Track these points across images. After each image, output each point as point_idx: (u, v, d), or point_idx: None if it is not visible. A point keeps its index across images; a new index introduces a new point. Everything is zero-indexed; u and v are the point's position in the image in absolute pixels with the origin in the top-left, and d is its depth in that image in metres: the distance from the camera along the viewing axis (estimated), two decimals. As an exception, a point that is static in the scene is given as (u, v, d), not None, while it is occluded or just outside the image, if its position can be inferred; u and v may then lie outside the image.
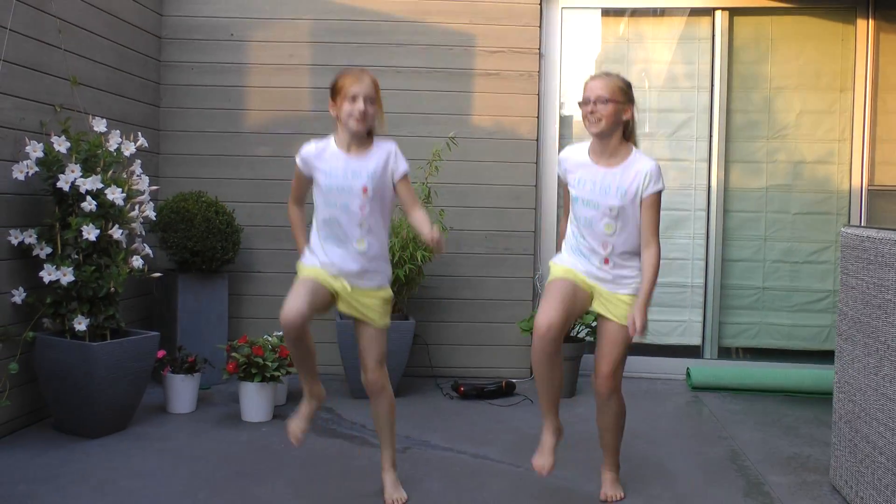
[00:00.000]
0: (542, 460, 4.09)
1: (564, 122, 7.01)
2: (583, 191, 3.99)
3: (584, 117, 3.97)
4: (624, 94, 3.99)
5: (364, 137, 4.00)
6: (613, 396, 4.09)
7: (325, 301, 3.96)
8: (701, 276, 7.03)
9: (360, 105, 3.89)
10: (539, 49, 6.84)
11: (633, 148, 4.05)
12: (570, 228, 4.12)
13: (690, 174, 7.02)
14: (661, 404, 6.17)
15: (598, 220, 3.95)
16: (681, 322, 7.05)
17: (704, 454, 5.01)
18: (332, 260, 3.95)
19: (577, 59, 7.06)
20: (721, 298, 7.04)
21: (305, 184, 4.09)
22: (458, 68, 6.80)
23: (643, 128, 7.05)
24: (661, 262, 6.67)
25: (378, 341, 4.05)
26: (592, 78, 4.03)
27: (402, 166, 4.02)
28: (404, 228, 6.02)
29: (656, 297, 6.84)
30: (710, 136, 7.00)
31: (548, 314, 3.86)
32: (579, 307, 4.04)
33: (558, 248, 4.24)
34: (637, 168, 3.95)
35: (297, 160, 4.04)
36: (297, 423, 4.10)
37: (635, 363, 6.91)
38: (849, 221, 6.92)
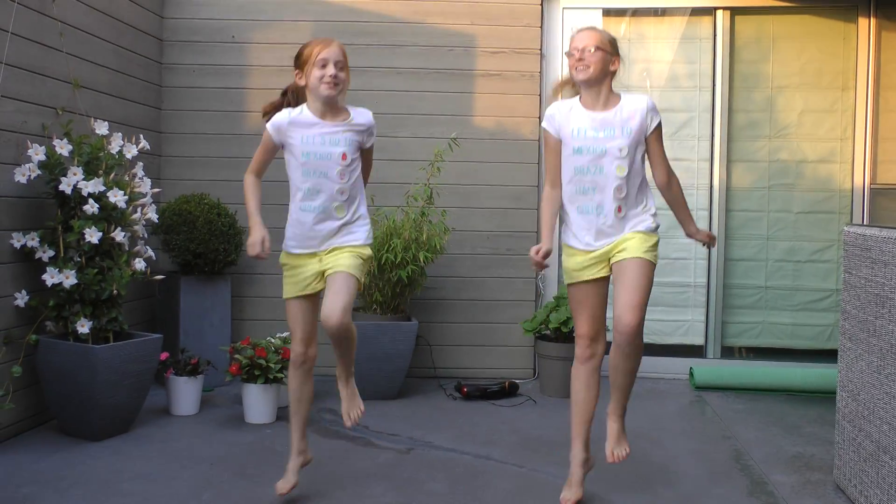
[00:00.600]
0: (568, 493, 4.11)
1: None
2: (585, 139, 3.93)
3: (572, 67, 3.93)
4: (611, 45, 3.96)
5: (336, 105, 4.00)
6: (638, 333, 3.92)
7: (316, 304, 4.05)
8: (703, 275, 7.03)
9: (330, 69, 3.90)
10: (540, 49, 6.84)
11: (621, 93, 4.03)
12: (569, 195, 4.02)
13: (692, 174, 7.02)
14: (664, 404, 6.17)
15: (609, 165, 3.90)
16: (683, 322, 7.05)
17: (708, 453, 5.01)
18: (309, 235, 3.99)
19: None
20: (724, 298, 7.04)
21: (271, 153, 4.10)
22: (459, 69, 6.80)
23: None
24: (663, 262, 6.71)
25: (349, 284, 3.89)
26: (579, 30, 4.00)
27: (374, 135, 4.11)
28: (407, 230, 6.03)
29: (658, 297, 6.87)
30: (712, 135, 7.00)
31: (584, 331, 4.04)
32: (604, 301, 4.09)
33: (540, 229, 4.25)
34: (634, 106, 3.94)
35: (269, 127, 4.03)
36: (284, 482, 4.12)
37: (638, 363, 6.91)
38: (851, 220, 6.91)
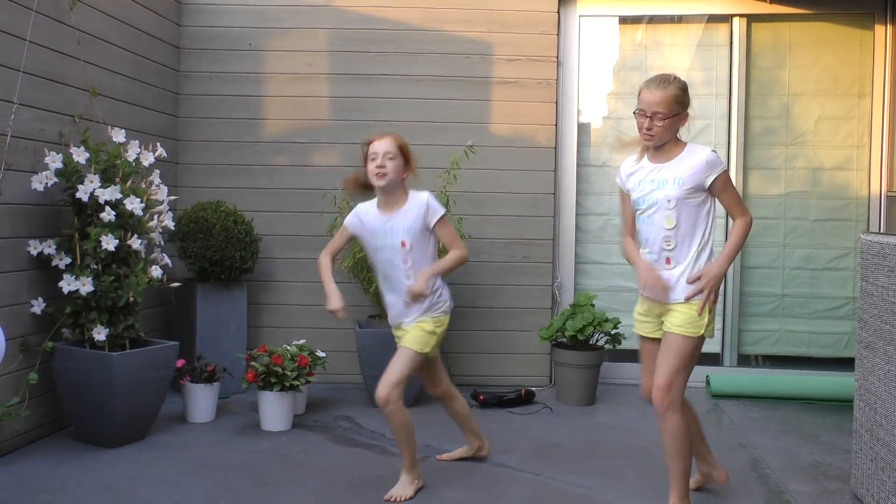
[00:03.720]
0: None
1: (582, 129, 7.00)
2: (641, 190, 3.97)
3: (640, 128, 3.94)
4: (680, 104, 3.91)
5: (395, 193, 4.34)
6: (669, 413, 3.89)
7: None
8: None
9: (378, 161, 4.25)
10: (557, 57, 6.83)
11: (687, 143, 4.01)
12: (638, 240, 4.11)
13: (709, 181, 6.99)
14: (680, 412, 6.14)
15: (658, 215, 3.90)
16: (700, 329, 7.02)
17: (725, 462, 4.97)
18: (391, 311, 4.50)
19: (594, 66, 7.06)
20: (740, 305, 7.01)
21: (347, 240, 4.56)
22: (475, 77, 6.80)
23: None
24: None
25: (402, 359, 4.30)
26: (649, 87, 3.93)
27: (436, 213, 4.34)
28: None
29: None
30: (729, 142, 6.98)
31: (645, 386, 4.17)
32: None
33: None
34: (695, 157, 3.91)
35: (348, 218, 4.53)
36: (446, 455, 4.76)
37: (654, 371, 6.89)
38: (868, 228, 6.89)
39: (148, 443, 5.13)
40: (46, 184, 4.86)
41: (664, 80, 3.93)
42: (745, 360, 7.08)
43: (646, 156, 4.04)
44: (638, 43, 7.14)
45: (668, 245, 3.90)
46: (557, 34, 6.87)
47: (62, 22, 5.19)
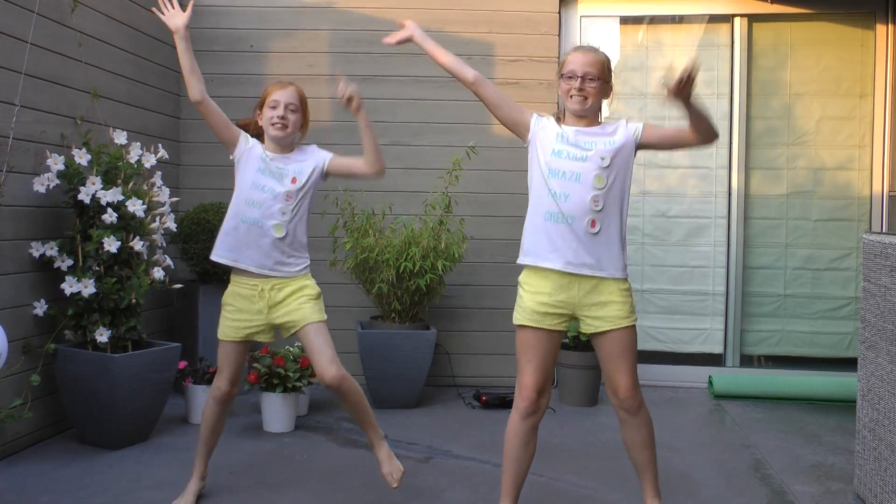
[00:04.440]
0: None
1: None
2: (566, 144, 3.69)
3: (567, 93, 3.72)
4: (609, 72, 3.78)
5: (287, 148, 4.13)
6: (642, 409, 3.79)
7: (247, 349, 4.17)
8: (722, 283, 7.01)
9: (280, 111, 4.02)
10: (558, 58, 6.83)
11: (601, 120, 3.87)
12: (540, 196, 3.70)
13: (711, 181, 7.00)
14: (683, 413, 6.14)
15: (588, 173, 3.61)
16: (702, 330, 7.03)
17: (727, 463, 4.99)
18: (245, 250, 4.04)
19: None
20: (742, 306, 7.01)
21: (231, 135, 4.13)
22: (476, 77, 6.80)
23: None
24: (682, 269, 6.68)
25: (324, 334, 4.00)
26: (578, 50, 3.79)
27: (327, 153, 4.18)
28: (425, 238, 6.03)
29: (677, 306, 6.86)
30: (730, 142, 6.98)
31: (529, 386, 3.74)
32: (554, 355, 3.81)
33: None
34: (615, 124, 3.76)
35: (242, 133, 4.14)
36: (181, 501, 4.17)
37: (657, 371, 6.91)
38: (870, 228, 6.88)
39: (150, 444, 5.13)
40: (48, 185, 4.86)
41: (592, 46, 3.85)
42: (747, 361, 7.08)
43: (561, 124, 3.80)
44: (639, 43, 7.14)
45: (597, 206, 3.60)
46: (559, 35, 6.87)
47: (63, 24, 5.19)
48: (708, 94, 7.02)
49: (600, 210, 3.61)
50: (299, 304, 4.00)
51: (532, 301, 3.70)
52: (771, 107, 7.03)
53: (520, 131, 3.89)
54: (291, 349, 5.60)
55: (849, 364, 6.58)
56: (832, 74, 6.99)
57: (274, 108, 4.03)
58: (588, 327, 3.72)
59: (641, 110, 7.06)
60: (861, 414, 4.34)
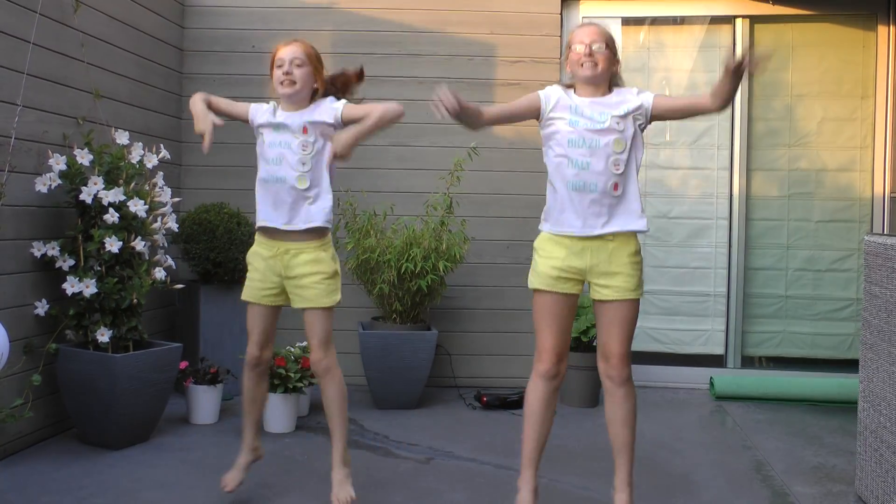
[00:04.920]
0: None
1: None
2: (581, 117, 3.76)
3: (577, 62, 3.77)
4: (615, 45, 3.87)
5: (302, 104, 4.08)
6: (629, 382, 3.83)
7: (273, 313, 4.14)
8: (723, 284, 7.00)
9: (285, 68, 3.98)
10: (560, 59, 6.83)
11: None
12: (562, 167, 3.78)
13: (712, 183, 7.00)
14: (684, 414, 6.14)
15: (607, 138, 3.71)
16: (703, 331, 7.03)
17: (729, 464, 4.99)
18: (270, 208, 4.06)
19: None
20: (744, 307, 7.01)
21: (240, 114, 4.22)
22: (478, 78, 6.81)
23: (664, 136, 7.03)
24: (682, 271, 6.67)
25: (320, 320, 4.02)
26: (583, 26, 3.87)
27: (338, 103, 4.11)
28: (426, 239, 6.03)
29: (678, 307, 6.86)
30: (732, 144, 6.98)
31: (548, 348, 3.84)
32: (572, 318, 3.92)
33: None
34: (627, 91, 3.85)
35: (251, 106, 4.18)
36: (232, 475, 4.20)
37: (658, 372, 6.91)
38: (871, 229, 6.88)
39: (151, 444, 5.13)
40: (50, 185, 4.86)
41: (594, 22, 3.99)
42: (748, 362, 7.08)
43: (572, 92, 3.87)
44: (641, 44, 7.15)
45: (618, 169, 3.70)
46: (560, 36, 6.87)
47: (66, 24, 5.19)
48: (709, 96, 7.01)
49: (621, 173, 3.73)
50: (312, 284, 3.99)
51: (545, 265, 3.82)
52: (772, 108, 7.03)
53: (533, 114, 3.94)
54: (292, 349, 5.60)
55: (850, 365, 6.58)
56: (833, 76, 6.99)
57: (280, 66, 4.00)
58: (595, 293, 3.81)
59: (643, 111, 7.05)
60: (862, 415, 4.34)
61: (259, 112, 4.13)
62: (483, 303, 6.82)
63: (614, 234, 3.75)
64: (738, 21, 6.95)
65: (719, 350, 7.04)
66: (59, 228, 5.11)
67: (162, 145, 5.56)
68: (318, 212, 4.01)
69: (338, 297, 4.08)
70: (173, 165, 6.54)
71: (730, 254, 6.98)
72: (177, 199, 5.80)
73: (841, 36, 7.01)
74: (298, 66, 3.99)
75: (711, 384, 6.71)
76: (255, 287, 4.08)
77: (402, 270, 5.96)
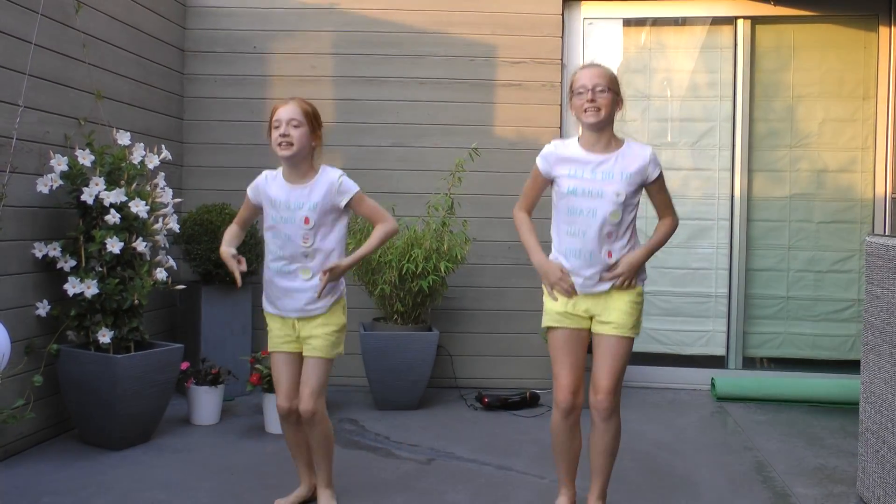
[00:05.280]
0: None
1: (586, 132, 6.99)
2: (581, 181, 3.83)
3: (580, 108, 3.81)
4: (617, 84, 3.89)
5: (301, 166, 3.99)
6: (614, 417, 3.91)
7: (298, 359, 4.10)
8: (725, 285, 7.00)
9: (282, 129, 3.90)
10: (561, 59, 6.83)
11: (624, 137, 3.96)
12: (560, 232, 3.95)
13: (713, 183, 7.00)
14: (685, 415, 6.14)
15: (604, 210, 3.79)
16: (705, 332, 7.02)
17: (730, 465, 4.98)
18: (280, 299, 4.03)
19: (598, 69, 7.05)
20: (745, 308, 7.00)
21: (251, 210, 4.17)
22: (480, 79, 6.81)
23: (665, 137, 7.03)
24: (684, 272, 6.66)
25: (317, 371, 4.01)
26: (585, 67, 3.92)
27: (347, 192, 4.01)
28: (428, 240, 6.02)
29: (679, 308, 6.85)
30: (733, 145, 6.97)
31: (565, 385, 3.91)
32: (585, 352, 3.99)
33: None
34: (636, 153, 3.86)
35: (250, 187, 4.12)
36: (285, 500, 4.21)
37: (659, 373, 6.91)
38: (872, 230, 6.87)
39: (152, 445, 5.13)
40: (51, 186, 4.87)
41: (598, 62, 4.01)
42: (750, 363, 7.07)
43: (578, 144, 3.92)
44: (642, 45, 7.14)
45: (611, 239, 3.82)
46: (561, 37, 6.87)
47: (67, 25, 5.20)
48: (710, 97, 7.01)
49: (615, 240, 3.85)
50: (322, 333, 3.99)
51: (553, 305, 3.98)
52: (774, 109, 7.02)
53: (548, 185, 4.07)
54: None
55: (851, 366, 6.58)
56: (835, 76, 6.99)
57: (277, 127, 3.92)
58: (594, 326, 3.93)
59: (644, 112, 7.06)
60: (864, 416, 4.34)
61: (262, 195, 4.06)
62: (484, 303, 6.82)
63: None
64: (740, 22, 6.95)
65: (720, 351, 7.03)
66: (60, 229, 5.11)
67: (163, 146, 5.57)
68: (326, 301, 4.02)
69: (341, 349, 4.09)
70: (175, 166, 6.54)
71: (731, 255, 6.98)
72: (178, 200, 5.80)
73: (842, 37, 7.00)
74: (296, 126, 3.92)
75: (712, 385, 6.71)
76: (276, 335, 4.09)
77: (404, 271, 5.96)
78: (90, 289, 4.89)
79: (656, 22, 7.12)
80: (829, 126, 6.98)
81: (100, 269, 5.01)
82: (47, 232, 5.03)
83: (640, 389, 6.84)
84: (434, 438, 5.38)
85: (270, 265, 4.02)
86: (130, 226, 5.08)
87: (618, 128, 3.95)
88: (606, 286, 3.86)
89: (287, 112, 3.92)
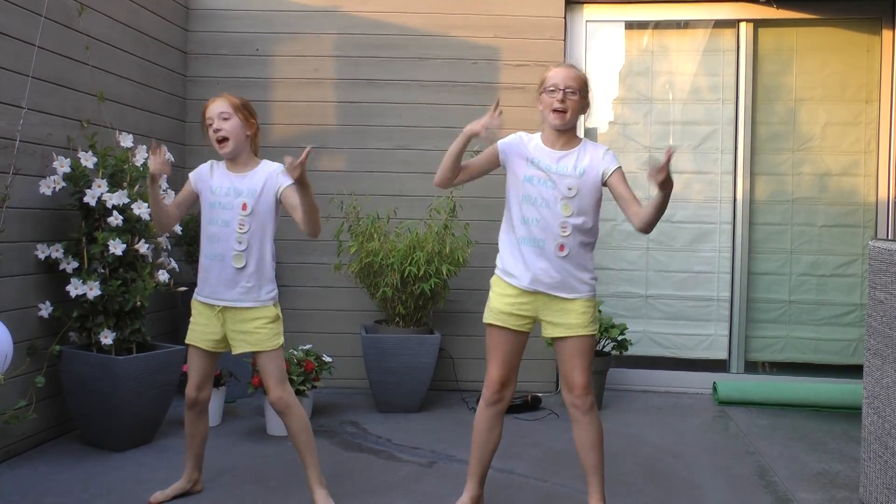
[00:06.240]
0: None
1: (589, 134, 6.98)
2: (537, 170, 3.90)
3: (548, 107, 3.89)
4: (587, 89, 3.95)
5: (241, 157, 4.06)
6: (593, 409, 3.94)
7: (214, 358, 4.19)
8: (727, 289, 7.00)
9: (215, 125, 3.98)
10: (563, 63, 6.83)
11: (583, 139, 4.01)
12: (514, 219, 4.00)
13: (715, 187, 6.99)
14: (687, 419, 6.13)
15: (555, 202, 3.84)
16: (707, 336, 7.02)
17: (732, 470, 4.98)
18: (210, 285, 4.08)
19: (601, 71, 7.05)
20: (747, 312, 7.00)
21: (189, 195, 4.16)
22: (482, 82, 6.81)
23: (667, 140, 7.03)
24: (687, 274, 6.65)
25: (272, 361, 4.06)
26: (559, 66, 3.97)
27: (285, 180, 4.01)
28: (430, 242, 6.02)
29: (681, 311, 6.85)
30: (735, 148, 6.97)
31: (494, 378, 4.00)
32: (520, 352, 4.05)
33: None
34: (592, 151, 3.91)
35: (192, 172, 4.16)
36: (161, 492, 4.26)
37: (660, 377, 6.91)
38: (875, 234, 6.87)
39: (154, 446, 5.13)
40: (54, 188, 4.87)
41: (572, 64, 4.08)
42: (752, 367, 7.07)
43: (539, 139, 3.99)
44: (644, 48, 7.14)
45: (565, 232, 3.84)
46: (564, 39, 6.87)
47: (71, 27, 5.20)
48: (713, 100, 7.01)
49: (568, 235, 3.85)
50: (255, 329, 4.03)
51: (499, 302, 4.01)
52: (776, 112, 7.02)
53: (494, 167, 4.14)
54: (296, 353, 5.60)
55: (854, 371, 6.58)
56: (838, 79, 6.99)
57: (210, 125, 4.00)
58: (547, 331, 3.98)
59: (647, 115, 7.06)
60: (867, 421, 4.33)
61: (200, 181, 4.12)
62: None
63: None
64: (742, 25, 6.95)
65: (722, 355, 7.03)
66: (63, 231, 5.11)
67: (165, 148, 5.56)
68: (257, 294, 4.06)
69: (281, 340, 4.11)
70: (177, 168, 6.53)
71: (733, 258, 6.98)
72: (180, 202, 5.80)
73: (845, 40, 7.00)
74: (225, 119, 3.98)
75: (715, 389, 6.70)
76: (198, 331, 4.13)
77: (406, 274, 5.96)
78: (92, 290, 4.89)
79: (658, 25, 7.12)
80: (831, 129, 6.98)
81: (102, 270, 5.02)
82: (50, 233, 5.03)
83: (641, 393, 6.84)
84: (435, 441, 5.38)
85: (204, 250, 4.09)
86: (133, 228, 5.09)
87: (620, 131, 3.96)
88: (563, 293, 3.89)
89: (215, 107, 4.01)
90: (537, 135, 4.03)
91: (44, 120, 4.96)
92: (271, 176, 4.04)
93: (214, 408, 5.58)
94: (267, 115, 6.78)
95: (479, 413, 4.09)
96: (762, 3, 6.76)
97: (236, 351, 4.09)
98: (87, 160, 4.98)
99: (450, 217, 6.20)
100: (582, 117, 4.07)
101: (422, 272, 5.94)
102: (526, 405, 6.22)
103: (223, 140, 3.97)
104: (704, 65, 7.06)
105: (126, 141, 5.24)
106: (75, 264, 4.99)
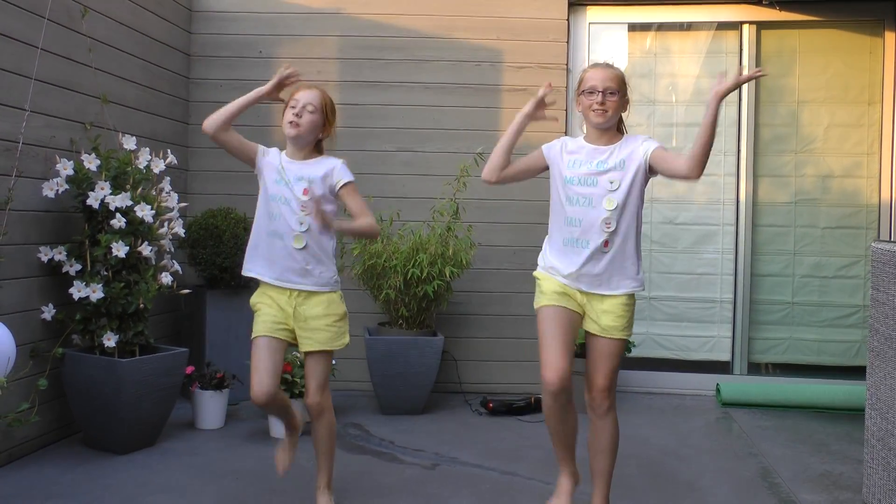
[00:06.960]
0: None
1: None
2: (578, 170, 3.89)
3: (589, 108, 3.87)
4: (626, 86, 3.95)
5: (304, 150, 4.03)
6: (610, 413, 3.96)
7: (284, 349, 4.04)
8: (730, 291, 6.99)
9: (297, 110, 3.96)
10: (566, 64, 6.83)
11: (625, 134, 4.01)
12: (558, 221, 3.98)
13: (718, 188, 6.99)
14: (690, 420, 6.13)
15: (598, 199, 3.83)
16: (710, 337, 7.01)
17: (735, 471, 4.97)
18: (273, 267, 3.96)
19: (604, 73, 7.04)
20: (750, 314, 6.99)
21: (248, 152, 4.06)
22: (485, 84, 6.81)
23: (670, 142, 7.02)
24: (690, 276, 6.64)
25: (323, 364, 4.01)
26: (596, 67, 3.96)
27: (343, 176, 4.00)
28: (433, 244, 6.03)
29: (685, 313, 6.85)
30: (738, 150, 6.97)
31: (554, 365, 3.87)
32: (575, 336, 3.99)
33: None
34: (632, 142, 3.90)
35: (261, 146, 4.08)
36: (283, 455, 4.24)
37: (664, 379, 6.90)
38: (878, 236, 6.86)
39: (157, 449, 5.13)
40: (57, 190, 4.88)
41: (608, 63, 4.01)
42: (755, 369, 7.06)
43: (582, 140, 3.98)
44: (647, 50, 7.14)
45: (609, 227, 3.82)
46: (567, 42, 6.87)
47: (74, 30, 5.21)
48: (716, 102, 7.00)
49: (612, 231, 3.83)
50: (324, 326, 3.97)
51: (551, 285, 3.95)
52: (779, 114, 7.02)
53: (540, 169, 4.14)
54: (298, 355, 5.59)
55: (857, 372, 6.57)
56: (840, 81, 6.98)
57: (293, 107, 3.97)
58: (586, 325, 3.98)
59: (650, 117, 7.06)
60: (870, 423, 4.32)
61: (266, 158, 4.05)
62: (489, 309, 6.82)
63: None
64: (745, 27, 6.95)
65: (725, 356, 7.03)
66: (66, 233, 5.11)
67: (169, 150, 5.57)
68: (318, 274, 3.99)
69: (346, 339, 4.07)
70: (180, 170, 6.55)
71: (736, 260, 6.97)
72: (184, 205, 5.80)
73: (847, 42, 7.00)
74: (310, 112, 3.97)
75: (718, 391, 6.70)
76: (268, 321, 3.98)
77: (409, 276, 5.96)
78: (95, 293, 4.90)
79: (662, 27, 7.12)
80: (834, 131, 6.97)
81: (105, 273, 5.02)
82: (53, 236, 5.04)
83: (644, 395, 6.84)
84: (438, 443, 5.38)
85: (261, 227, 3.99)
86: (136, 230, 5.09)
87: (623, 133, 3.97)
88: (605, 290, 3.88)
89: (306, 96, 4.00)
90: (580, 136, 4.03)
91: (47, 122, 4.97)
92: (329, 168, 4.00)
93: (218, 410, 5.59)
94: (270, 118, 6.77)
95: (545, 409, 3.99)
96: (765, 6, 6.76)
97: (304, 348, 3.99)
98: (91, 162, 4.99)
99: (453, 219, 6.21)
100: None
101: (425, 274, 5.94)
102: (529, 407, 6.22)
103: (295, 125, 3.94)
104: (707, 67, 7.06)
105: (129, 143, 5.25)
106: (78, 267, 5.00)
